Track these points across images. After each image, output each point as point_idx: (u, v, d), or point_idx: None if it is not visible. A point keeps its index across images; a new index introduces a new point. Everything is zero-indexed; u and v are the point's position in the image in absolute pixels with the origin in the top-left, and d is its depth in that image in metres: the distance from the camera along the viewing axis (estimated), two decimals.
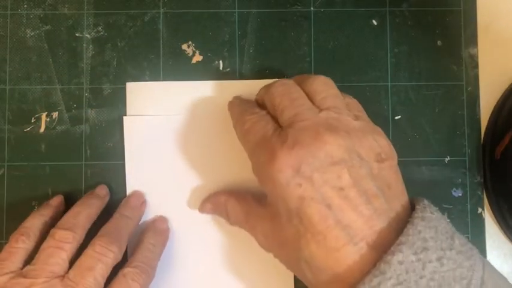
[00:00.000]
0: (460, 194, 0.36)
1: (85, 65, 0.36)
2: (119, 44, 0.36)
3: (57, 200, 0.34)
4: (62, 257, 0.29)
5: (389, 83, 0.36)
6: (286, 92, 0.29)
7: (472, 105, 0.36)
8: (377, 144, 0.28)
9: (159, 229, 0.34)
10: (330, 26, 0.37)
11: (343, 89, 0.36)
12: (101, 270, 0.29)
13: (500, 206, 0.35)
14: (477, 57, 0.37)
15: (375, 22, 0.37)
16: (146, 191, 0.35)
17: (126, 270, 0.30)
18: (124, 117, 0.35)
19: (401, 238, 0.24)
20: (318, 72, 0.36)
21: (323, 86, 0.30)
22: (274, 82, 0.31)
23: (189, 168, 0.35)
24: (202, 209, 0.34)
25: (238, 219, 0.32)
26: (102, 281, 0.29)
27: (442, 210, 0.36)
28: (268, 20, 0.36)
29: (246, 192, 0.32)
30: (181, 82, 0.36)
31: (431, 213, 0.26)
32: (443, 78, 0.36)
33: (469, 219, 0.36)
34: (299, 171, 0.26)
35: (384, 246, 0.25)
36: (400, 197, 0.27)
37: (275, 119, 0.29)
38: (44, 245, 0.30)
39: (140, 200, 0.35)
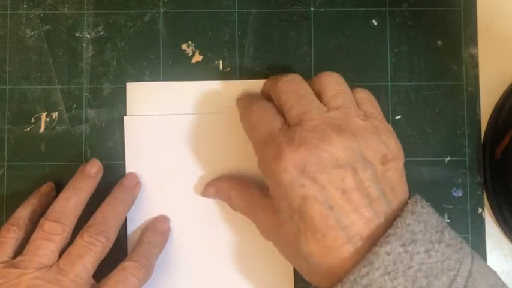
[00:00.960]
0: (460, 194, 0.36)
1: (85, 65, 0.36)
2: (119, 44, 0.36)
3: (46, 188, 0.34)
4: (50, 248, 0.29)
5: (389, 83, 0.36)
6: (294, 89, 0.29)
7: (472, 105, 0.36)
8: (384, 145, 0.28)
9: (160, 229, 0.34)
10: (330, 26, 0.37)
11: None
12: (90, 258, 0.29)
13: (500, 206, 0.35)
14: (477, 57, 0.37)
15: (375, 22, 0.37)
16: (147, 191, 0.35)
17: (126, 264, 0.31)
18: (124, 117, 0.35)
19: (390, 231, 0.25)
20: (318, 72, 0.36)
21: (332, 83, 0.30)
22: (281, 77, 0.30)
23: (190, 167, 0.35)
24: (205, 193, 0.34)
25: (241, 206, 0.32)
26: (91, 269, 0.30)
27: (442, 210, 0.36)
28: (268, 20, 0.36)
29: (250, 180, 0.33)
30: (181, 82, 0.36)
31: (422, 207, 0.27)
32: (443, 78, 0.36)
33: (469, 219, 0.36)
34: (304, 171, 0.26)
35: (377, 239, 0.25)
36: (401, 198, 0.28)
37: (282, 113, 0.30)
38: (34, 236, 0.30)
39: (134, 181, 0.34)
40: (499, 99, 0.37)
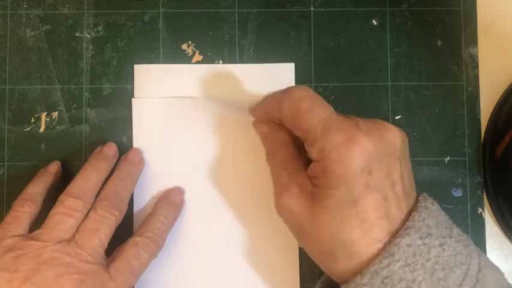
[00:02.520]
0: (460, 194, 0.36)
1: (85, 65, 0.36)
2: (119, 44, 0.36)
3: (54, 167, 0.34)
4: (70, 224, 0.30)
5: (389, 83, 0.36)
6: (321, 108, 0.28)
7: (472, 105, 0.36)
8: (406, 141, 0.29)
9: (174, 201, 0.34)
10: (330, 26, 0.37)
11: (343, 89, 0.36)
12: (105, 232, 0.30)
13: (500, 206, 0.35)
14: (477, 57, 0.37)
15: (375, 22, 0.37)
16: (155, 174, 0.35)
17: (138, 239, 0.31)
18: (132, 99, 0.35)
19: (409, 223, 0.26)
20: (318, 71, 0.36)
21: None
22: (293, 97, 0.29)
23: (199, 149, 0.35)
24: (257, 126, 0.33)
25: (279, 174, 0.30)
26: (106, 242, 0.30)
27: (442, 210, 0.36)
28: (268, 20, 0.36)
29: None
30: (190, 65, 0.36)
31: (432, 204, 0.27)
32: (443, 78, 0.36)
33: (469, 219, 0.36)
34: (372, 158, 0.26)
35: (397, 232, 0.26)
36: (414, 194, 0.29)
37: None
38: (54, 210, 0.30)
39: (138, 156, 0.35)
40: (499, 99, 0.37)
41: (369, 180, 0.26)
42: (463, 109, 0.36)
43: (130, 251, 0.31)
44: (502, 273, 0.28)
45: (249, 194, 0.35)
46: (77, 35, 0.36)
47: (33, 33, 0.36)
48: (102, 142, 0.35)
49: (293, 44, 0.36)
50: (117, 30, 0.36)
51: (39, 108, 0.36)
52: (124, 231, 0.33)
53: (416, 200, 0.28)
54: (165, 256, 0.34)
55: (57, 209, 0.30)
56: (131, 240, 0.31)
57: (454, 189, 0.36)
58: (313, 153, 0.27)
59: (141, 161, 0.35)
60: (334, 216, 0.26)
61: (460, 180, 0.36)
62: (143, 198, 0.35)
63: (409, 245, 0.25)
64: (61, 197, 0.31)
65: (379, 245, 0.26)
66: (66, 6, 0.36)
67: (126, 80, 0.36)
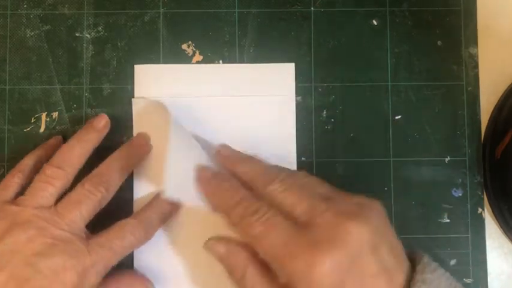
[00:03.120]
0: (460, 194, 0.36)
1: (85, 65, 0.36)
2: (119, 44, 0.36)
3: (54, 141, 0.35)
4: (50, 191, 0.30)
5: (389, 83, 0.36)
6: (290, 183, 0.29)
7: (472, 105, 0.36)
8: (383, 212, 0.28)
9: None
10: (330, 26, 0.37)
11: (343, 89, 0.36)
12: (87, 206, 0.30)
13: (500, 206, 0.35)
14: (477, 57, 0.37)
15: (375, 22, 0.37)
16: (155, 173, 0.35)
17: (128, 221, 0.31)
18: (133, 99, 0.35)
19: None
20: (318, 72, 0.36)
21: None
22: (263, 169, 0.30)
23: (199, 149, 0.35)
24: (212, 249, 0.31)
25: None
26: (87, 217, 0.31)
27: (442, 210, 0.36)
28: (268, 20, 0.36)
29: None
30: (189, 65, 0.36)
31: (431, 273, 0.26)
32: (443, 78, 0.36)
33: (469, 219, 0.36)
34: (340, 273, 0.25)
35: None
36: (401, 256, 0.27)
37: (282, 212, 0.28)
38: (36, 178, 0.31)
39: (144, 140, 0.35)
40: (499, 99, 0.37)
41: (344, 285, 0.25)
42: (463, 109, 0.36)
43: (116, 229, 0.31)
44: None
45: None
46: (77, 35, 0.36)
47: (33, 33, 0.36)
48: (102, 142, 0.35)
49: (293, 44, 0.36)
50: (117, 30, 0.36)
51: (39, 108, 0.36)
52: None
53: (414, 269, 0.26)
54: (165, 251, 0.35)
55: (39, 177, 0.31)
56: (123, 221, 0.31)
57: (454, 189, 0.36)
58: (281, 277, 0.26)
59: (146, 145, 0.35)
60: None
61: (460, 180, 0.36)
62: (143, 198, 0.35)
63: None
64: (44, 166, 0.31)
65: None
66: (66, 6, 0.36)
67: (126, 80, 0.36)
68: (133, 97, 0.36)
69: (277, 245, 0.26)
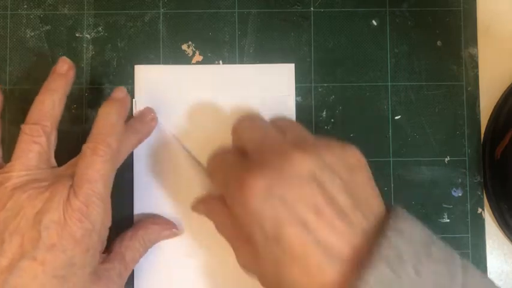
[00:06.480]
0: (460, 194, 0.36)
1: (85, 65, 0.36)
2: (119, 44, 0.36)
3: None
4: (36, 150, 0.30)
5: (389, 83, 0.36)
6: (250, 125, 0.30)
7: (472, 105, 0.36)
8: (346, 154, 0.27)
9: (146, 119, 0.34)
10: (330, 26, 0.37)
11: (343, 89, 0.36)
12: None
13: (500, 206, 0.35)
14: (477, 57, 0.37)
15: (374, 22, 0.37)
16: (155, 173, 0.35)
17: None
18: (133, 100, 0.36)
19: (375, 252, 0.23)
20: (318, 72, 0.36)
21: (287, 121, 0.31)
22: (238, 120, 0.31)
23: (199, 148, 0.35)
24: (196, 209, 0.33)
25: (226, 234, 0.30)
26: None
27: (442, 210, 0.36)
28: (268, 20, 0.36)
29: None
30: (189, 65, 0.36)
31: (405, 222, 0.25)
32: (443, 78, 0.36)
33: (469, 219, 0.36)
34: (271, 192, 0.25)
35: (362, 262, 0.23)
36: (375, 206, 0.26)
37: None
38: (18, 141, 0.30)
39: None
40: (499, 99, 0.37)
41: (276, 214, 0.24)
42: (463, 109, 0.36)
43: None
44: (492, 284, 0.26)
45: None
46: (77, 35, 0.36)
47: (33, 33, 0.36)
48: None
49: (293, 44, 0.36)
50: (117, 30, 0.36)
51: None
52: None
53: (387, 217, 0.25)
54: (161, 254, 0.35)
55: (19, 139, 0.30)
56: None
57: (454, 189, 0.36)
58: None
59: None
60: (272, 259, 0.25)
61: (460, 180, 0.36)
62: (144, 197, 0.35)
63: (376, 277, 0.22)
64: (22, 127, 0.30)
65: (321, 278, 0.24)
66: (67, 6, 0.36)
67: (126, 80, 0.36)
68: (134, 97, 0.36)
69: (221, 178, 0.28)
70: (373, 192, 0.27)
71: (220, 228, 0.31)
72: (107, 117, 0.30)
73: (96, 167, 0.29)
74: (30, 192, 0.28)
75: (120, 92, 0.32)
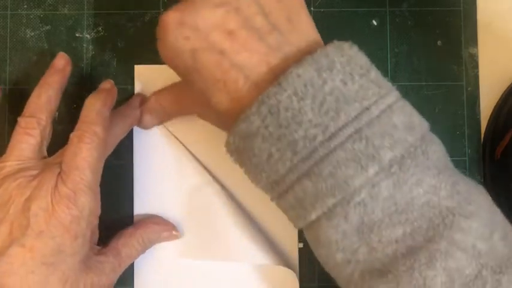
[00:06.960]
0: None
1: (85, 65, 0.36)
2: (119, 44, 0.36)
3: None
4: (29, 142, 0.30)
5: None
6: None
7: (472, 105, 0.36)
8: None
9: (135, 103, 0.35)
10: (330, 26, 0.37)
11: None
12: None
13: (500, 206, 0.35)
14: (477, 57, 0.37)
15: (374, 22, 0.37)
16: (156, 173, 0.35)
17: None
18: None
19: (306, 56, 0.24)
20: None
21: None
22: None
23: (200, 148, 0.36)
24: (144, 123, 0.34)
25: (175, 108, 0.33)
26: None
27: None
28: None
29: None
30: None
31: (350, 48, 0.26)
32: (443, 78, 0.36)
33: None
34: (183, 23, 0.25)
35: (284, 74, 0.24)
36: (304, 32, 0.27)
37: None
38: (13, 133, 0.31)
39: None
40: (499, 99, 0.37)
41: (191, 45, 0.25)
42: (463, 109, 0.36)
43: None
44: (420, 119, 0.26)
45: (248, 193, 0.35)
46: (77, 35, 0.36)
47: (33, 33, 0.36)
48: None
49: None
50: (117, 30, 0.36)
51: None
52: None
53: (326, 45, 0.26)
54: (161, 254, 0.35)
55: (15, 131, 0.31)
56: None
57: None
58: None
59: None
60: (199, 90, 0.26)
61: None
62: (144, 197, 0.35)
63: (299, 75, 0.23)
64: (18, 120, 0.31)
65: (240, 95, 0.25)
66: (66, 6, 0.36)
67: (126, 80, 0.36)
68: None
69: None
70: (300, 14, 0.27)
71: (168, 106, 0.34)
72: (93, 106, 0.31)
73: (83, 155, 0.29)
74: (20, 180, 0.29)
75: (106, 83, 0.33)
